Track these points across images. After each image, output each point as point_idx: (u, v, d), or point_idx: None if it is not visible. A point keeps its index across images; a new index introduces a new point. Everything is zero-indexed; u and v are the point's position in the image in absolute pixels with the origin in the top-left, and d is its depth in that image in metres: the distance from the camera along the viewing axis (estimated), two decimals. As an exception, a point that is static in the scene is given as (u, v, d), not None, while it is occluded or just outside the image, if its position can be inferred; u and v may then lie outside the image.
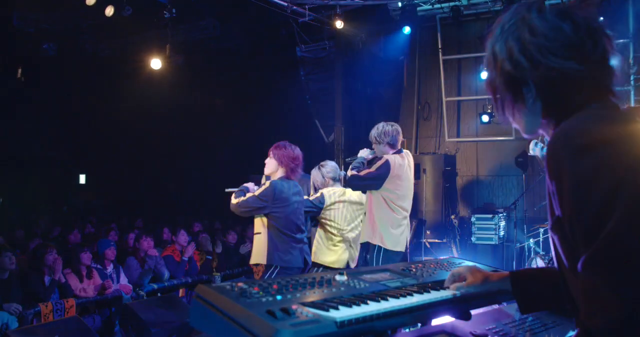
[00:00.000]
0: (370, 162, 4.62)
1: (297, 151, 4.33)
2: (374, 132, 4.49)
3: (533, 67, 1.13)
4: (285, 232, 4.18)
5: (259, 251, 4.19)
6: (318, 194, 4.80)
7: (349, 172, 4.43)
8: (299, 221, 4.32)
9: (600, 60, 1.12)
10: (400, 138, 4.51)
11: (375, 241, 4.29)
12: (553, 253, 1.15)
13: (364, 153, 4.64)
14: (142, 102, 11.93)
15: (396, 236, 4.31)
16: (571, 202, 0.98)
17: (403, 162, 4.37)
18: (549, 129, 1.18)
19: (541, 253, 7.84)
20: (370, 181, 4.29)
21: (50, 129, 13.46)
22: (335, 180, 4.98)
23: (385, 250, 4.28)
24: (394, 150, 4.44)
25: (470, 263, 2.17)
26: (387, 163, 4.27)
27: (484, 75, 9.11)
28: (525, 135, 1.26)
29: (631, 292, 0.89)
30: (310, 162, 5.46)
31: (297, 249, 4.23)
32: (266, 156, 4.39)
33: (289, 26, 9.63)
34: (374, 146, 4.55)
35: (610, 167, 0.95)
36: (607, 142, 0.98)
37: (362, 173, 4.34)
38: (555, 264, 1.16)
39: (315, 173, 5.04)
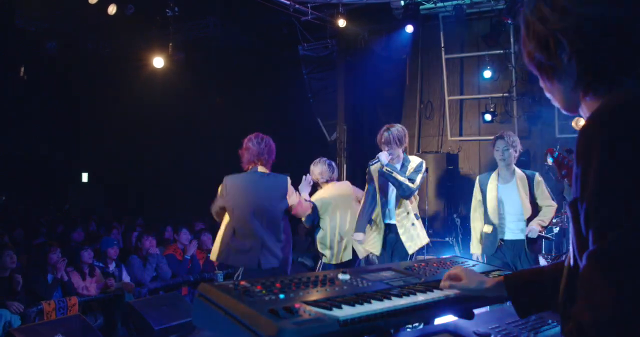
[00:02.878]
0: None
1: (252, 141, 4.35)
2: (392, 136, 4.59)
3: (562, 18, 1.02)
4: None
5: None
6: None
7: (410, 185, 4.51)
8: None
9: None
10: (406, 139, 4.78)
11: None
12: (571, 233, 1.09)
13: (384, 156, 4.62)
14: (144, 101, 11.93)
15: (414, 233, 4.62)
16: (593, 193, 0.93)
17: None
18: (587, 109, 1.07)
19: (544, 253, 7.83)
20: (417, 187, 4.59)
21: (52, 127, 13.47)
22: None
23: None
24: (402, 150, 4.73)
25: (472, 262, 2.17)
26: (422, 163, 4.66)
27: (487, 74, 9.12)
28: (564, 112, 1.15)
29: (629, 293, 0.87)
30: (312, 161, 5.47)
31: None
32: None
33: (291, 25, 9.62)
34: (388, 148, 4.61)
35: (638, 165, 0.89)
36: None
37: (418, 182, 4.56)
38: (571, 246, 1.10)
39: None
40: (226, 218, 4.25)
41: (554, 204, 4.63)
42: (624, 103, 0.96)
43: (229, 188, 4.19)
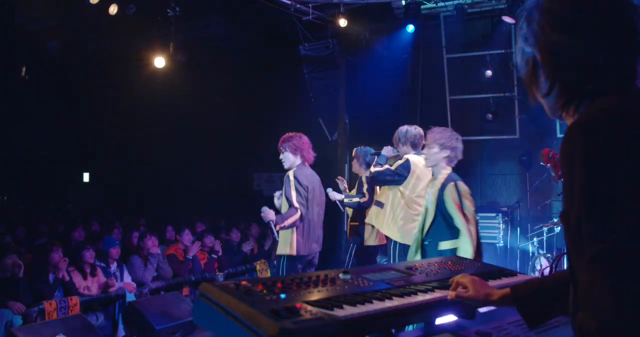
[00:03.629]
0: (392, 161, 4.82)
1: (305, 138, 4.67)
2: (398, 133, 4.72)
3: (537, 41, 1.12)
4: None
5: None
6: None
7: (373, 169, 4.59)
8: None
9: (617, 40, 1.05)
10: (423, 141, 4.65)
11: (393, 236, 4.50)
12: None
13: (386, 151, 4.79)
14: (144, 101, 11.93)
15: (411, 230, 4.44)
16: (581, 202, 0.95)
17: (423, 163, 4.53)
18: (569, 117, 1.12)
19: (545, 252, 7.82)
20: (392, 177, 4.49)
21: (53, 127, 13.48)
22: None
23: (401, 244, 4.46)
24: (415, 151, 4.65)
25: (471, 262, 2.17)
26: (407, 162, 4.50)
27: (488, 73, 9.11)
28: (550, 116, 1.23)
29: (627, 298, 0.88)
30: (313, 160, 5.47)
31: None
32: (271, 154, 4.47)
33: (292, 24, 9.62)
34: (397, 146, 4.76)
35: (627, 171, 0.91)
36: (626, 143, 0.93)
37: (384, 169, 4.52)
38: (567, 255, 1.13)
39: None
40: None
41: (464, 234, 3.57)
42: (602, 113, 0.99)
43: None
